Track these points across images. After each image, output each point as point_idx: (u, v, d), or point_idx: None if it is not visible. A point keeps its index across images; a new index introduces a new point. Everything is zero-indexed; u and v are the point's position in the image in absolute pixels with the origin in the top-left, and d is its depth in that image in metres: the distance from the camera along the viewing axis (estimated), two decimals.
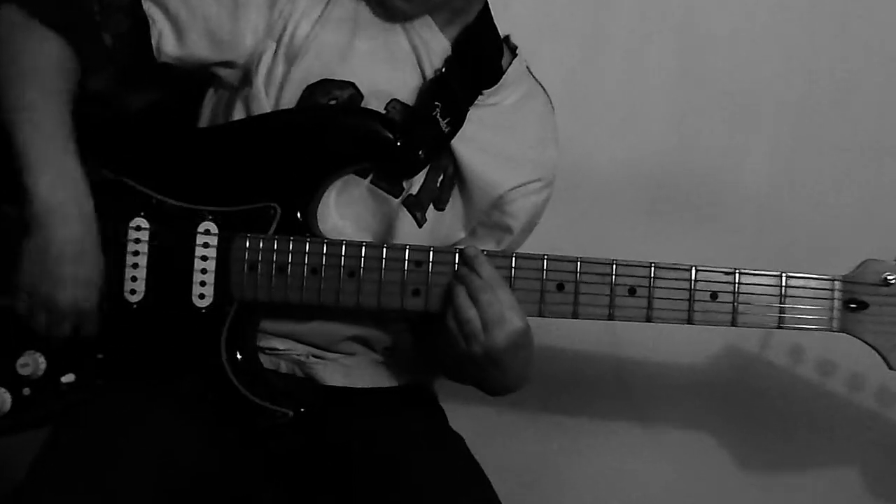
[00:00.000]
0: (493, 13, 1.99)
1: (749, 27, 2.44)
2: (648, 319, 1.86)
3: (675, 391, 2.48)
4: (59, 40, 1.90)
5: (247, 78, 1.94)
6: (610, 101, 2.46)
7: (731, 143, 2.45)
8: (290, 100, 1.92)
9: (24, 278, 1.82)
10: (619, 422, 2.52)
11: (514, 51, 2.04)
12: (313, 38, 1.92)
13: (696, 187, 2.44)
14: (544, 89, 2.08)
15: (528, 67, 2.07)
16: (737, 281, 1.85)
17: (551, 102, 2.09)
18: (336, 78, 1.92)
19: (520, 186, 2.00)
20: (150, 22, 1.92)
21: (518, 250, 2.03)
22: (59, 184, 1.81)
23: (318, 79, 1.92)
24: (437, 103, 1.93)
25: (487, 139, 1.98)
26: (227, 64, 1.95)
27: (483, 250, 1.86)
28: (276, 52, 1.92)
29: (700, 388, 2.48)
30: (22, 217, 1.81)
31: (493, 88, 1.99)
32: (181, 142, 1.93)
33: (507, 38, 2.04)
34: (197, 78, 2.00)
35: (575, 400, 2.51)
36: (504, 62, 2.02)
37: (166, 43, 1.92)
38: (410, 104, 1.95)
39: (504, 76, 2.01)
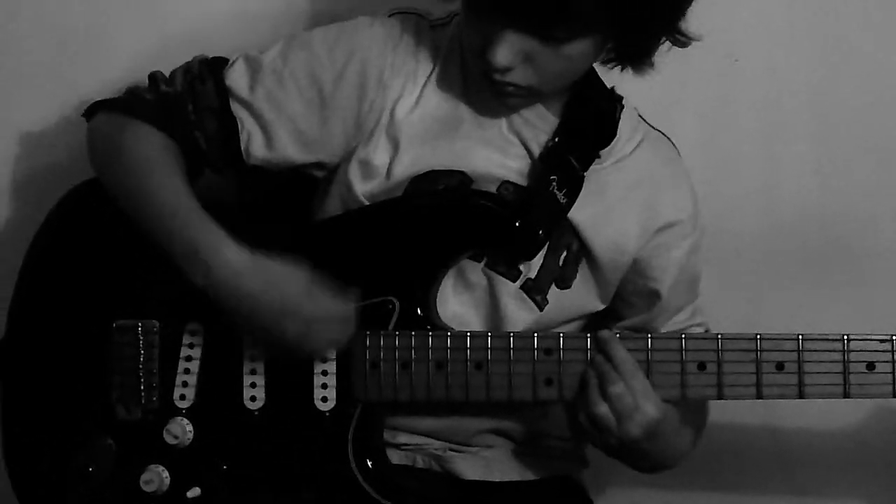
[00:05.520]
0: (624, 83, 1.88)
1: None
2: (801, 396, 1.74)
3: (838, 461, 2.33)
4: (162, 134, 1.84)
5: (342, 174, 1.86)
6: (746, 161, 2.30)
7: (876, 195, 2.28)
8: (394, 193, 1.83)
9: (269, 323, 1.74)
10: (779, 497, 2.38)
11: (620, 101, 1.93)
12: (411, 126, 1.83)
13: (843, 246, 2.28)
14: (663, 133, 1.97)
15: (640, 115, 1.96)
16: (895, 349, 1.72)
17: (674, 146, 1.97)
18: (443, 168, 1.83)
19: (649, 243, 1.89)
20: (239, 124, 1.84)
21: (682, 321, 1.95)
22: (228, 246, 1.74)
23: (424, 169, 1.83)
24: (552, 177, 1.82)
25: (609, 201, 1.88)
26: (319, 165, 1.88)
27: (617, 332, 1.77)
28: (370, 145, 1.84)
29: (865, 457, 2.32)
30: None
31: (609, 147, 1.88)
32: (290, 238, 1.84)
33: (612, 90, 1.92)
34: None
35: (730, 473, 2.37)
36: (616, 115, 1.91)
37: (255, 145, 1.85)
38: (523, 185, 1.85)
39: (618, 130, 1.89)
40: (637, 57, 1.79)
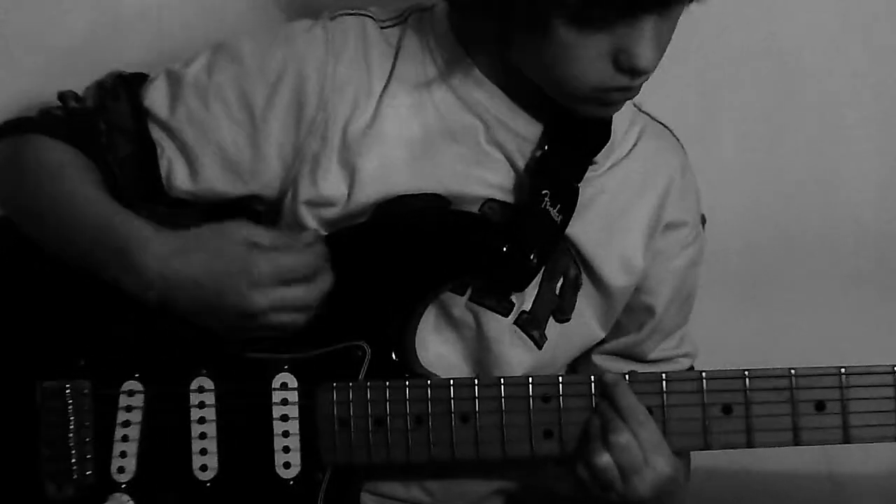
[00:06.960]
0: None
1: None
2: (847, 440, 1.51)
3: None
4: (73, 147, 1.62)
5: (289, 216, 1.63)
6: (800, 172, 2.09)
7: None
8: (356, 220, 1.60)
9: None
10: None
11: None
12: (370, 146, 1.59)
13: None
14: (665, 125, 1.74)
15: (637, 106, 1.72)
16: None
17: (677, 138, 1.75)
18: (414, 191, 1.59)
19: (650, 248, 1.68)
20: (158, 150, 1.62)
21: (672, 352, 1.76)
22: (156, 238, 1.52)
23: (391, 195, 1.59)
24: (544, 191, 1.58)
25: (611, 212, 1.66)
26: (256, 199, 1.64)
27: (625, 374, 1.54)
28: (318, 176, 1.60)
29: None
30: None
31: (604, 150, 1.64)
32: None
33: None
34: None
35: None
36: None
37: (177, 175, 1.62)
38: (509, 202, 1.61)
39: (612, 127, 1.66)
40: None
